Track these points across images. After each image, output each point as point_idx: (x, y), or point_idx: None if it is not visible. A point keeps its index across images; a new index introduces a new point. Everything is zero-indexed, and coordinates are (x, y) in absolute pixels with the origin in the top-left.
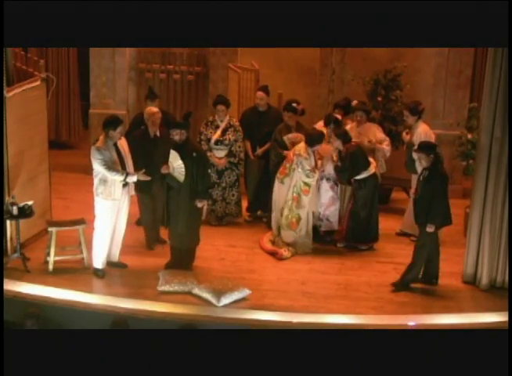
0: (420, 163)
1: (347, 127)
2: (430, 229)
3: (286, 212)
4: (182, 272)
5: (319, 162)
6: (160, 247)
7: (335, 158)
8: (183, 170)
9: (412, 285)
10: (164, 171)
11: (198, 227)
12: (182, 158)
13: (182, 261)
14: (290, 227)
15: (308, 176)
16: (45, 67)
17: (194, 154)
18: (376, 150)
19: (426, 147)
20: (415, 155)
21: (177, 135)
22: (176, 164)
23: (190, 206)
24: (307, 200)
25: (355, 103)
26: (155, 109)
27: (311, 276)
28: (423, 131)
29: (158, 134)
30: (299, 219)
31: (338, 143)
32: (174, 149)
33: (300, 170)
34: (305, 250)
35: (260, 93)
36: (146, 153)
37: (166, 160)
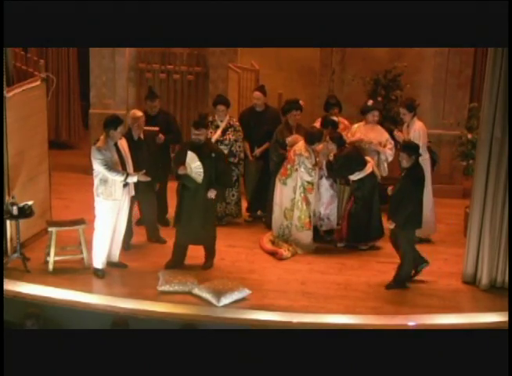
0: (401, 162)
1: (355, 125)
2: (390, 225)
3: (297, 213)
4: (182, 272)
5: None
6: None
7: (331, 159)
8: (201, 171)
9: (411, 285)
10: (181, 171)
11: (214, 224)
12: (201, 159)
13: (183, 260)
14: (304, 227)
15: (310, 175)
16: (45, 67)
17: (213, 155)
18: (380, 152)
19: (408, 148)
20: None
21: (201, 135)
22: (194, 166)
23: (207, 205)
24: (312, 198)
25: (370, 102)
26: (139, 112)
27: (311, 276)
28: (420, 128)
29: (142, 136)
30: (310, 218)
31: (333, 147)
32: (191, 150)
33: (302, 169)
34: (307, 250)
35: (257, 93)
36: (131, 156)
37: (150, 163)
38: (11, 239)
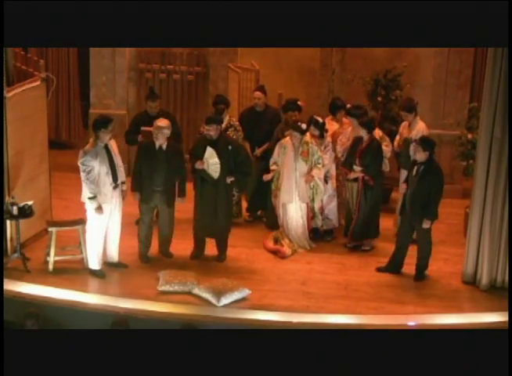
0: (415, 155)
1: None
2: (426, 225)
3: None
4: (182, 272)
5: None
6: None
7: (341, 148)
8: (218, 167)
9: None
10: (198, 166)
11: (230, 217)
12: (218, 154)
13: (203, 251)
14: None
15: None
16: (45, 67)
17: (230, 148)
18: None
19: (425, 142)
20: (412, 150)
21: (212, 130)
22: (212, 161)
23: (224, 199)
24: (274, 182)
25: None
26: (164, 122)
27: (311, 276)
28: (424, 129)
29: (163, 147)
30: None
31: (363, 132)
32: (209, 145)
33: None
34: (304, 247)
35: (257, 93)
36: (151, 165)
37: (170, 170)
38: (11, 239)
